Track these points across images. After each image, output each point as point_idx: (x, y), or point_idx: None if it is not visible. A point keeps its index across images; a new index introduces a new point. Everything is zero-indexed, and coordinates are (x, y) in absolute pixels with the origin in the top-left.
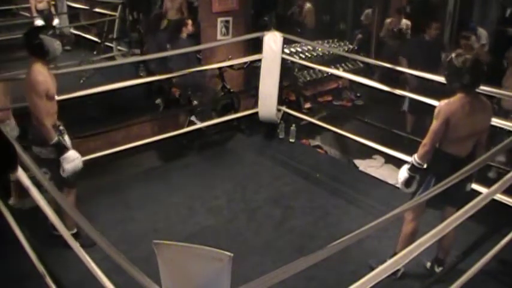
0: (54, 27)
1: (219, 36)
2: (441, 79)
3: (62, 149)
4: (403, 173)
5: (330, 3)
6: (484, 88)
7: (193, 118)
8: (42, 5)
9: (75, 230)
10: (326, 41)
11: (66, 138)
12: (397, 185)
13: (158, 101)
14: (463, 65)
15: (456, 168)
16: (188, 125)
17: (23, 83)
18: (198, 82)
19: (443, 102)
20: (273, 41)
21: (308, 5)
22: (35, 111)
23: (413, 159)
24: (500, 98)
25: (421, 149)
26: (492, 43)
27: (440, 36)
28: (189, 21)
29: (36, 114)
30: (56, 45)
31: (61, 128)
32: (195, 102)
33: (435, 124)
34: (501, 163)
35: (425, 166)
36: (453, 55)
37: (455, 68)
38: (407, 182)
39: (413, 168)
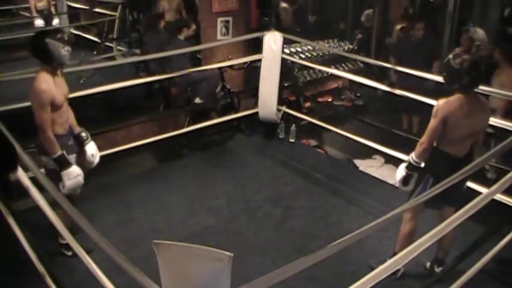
0: (63, 31)
1: (219, 36)
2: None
3: (63, 163)
4: (401, 171)
5: (330, 2)
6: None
7: (197, 100)
8: (42, 5)
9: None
10: (326, 41)
11: (90, 145)
12: (396, 184)
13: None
14: (461, 65)
15: (454, 168)
16: (188, 125)
17: (27, 84)
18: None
19: (442, 101)
20: (273, 41)
21: (283, 5)
22: (38, 121)
23: (411, 157)
24: (488, 96)
25: (419, 148)
26: (492, 43)
27: (427, 36)
28: (193, 26)
29: (39, 125)
30: (62, 51)
31: (83, 134)
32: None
33: (433, 123)
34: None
35: (423, 165)
36: (451, 56)
37: (453, 68)
38: (405, 180)
39: (410, 167)
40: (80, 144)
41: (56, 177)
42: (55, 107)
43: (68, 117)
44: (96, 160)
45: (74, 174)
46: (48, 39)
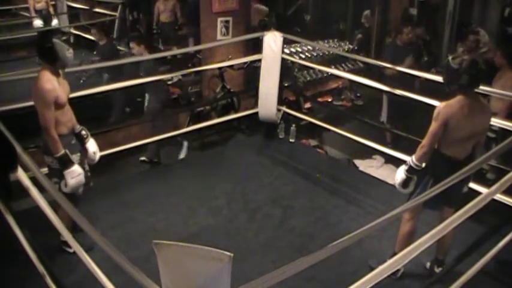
0: (69, 32)
1: (219, 36)
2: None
3: (66, 162)
4: (401, 174)
5: (330, 3)
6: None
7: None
8: (40, 5)
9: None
10: (326, 41)
11: (91, 143)
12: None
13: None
14: (460, 65)
15: (454, 171)
16: (188, 125)
17: (30, 86)
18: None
19: (442, 104)
20: (273, 41)
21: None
22: (42, 120)
23: (411, 160)
24: (488, 99)
25: (419, 151)
26: (494, 43)
27: (412, 40)
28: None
29: (43, 124)
30: (67, 52)
31: (83, 132)
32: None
33: (434, 126)
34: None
35: (423, 165)
36: (450, 57)
37: (452, 69)
38: (405, 183)
39: (410, 170)
40: (81, 142)
41: (59, 176)
42: (59, 106)
43: (71, 116)
44: (97, 157)
45: (76, 173)
46: (55, 40)
